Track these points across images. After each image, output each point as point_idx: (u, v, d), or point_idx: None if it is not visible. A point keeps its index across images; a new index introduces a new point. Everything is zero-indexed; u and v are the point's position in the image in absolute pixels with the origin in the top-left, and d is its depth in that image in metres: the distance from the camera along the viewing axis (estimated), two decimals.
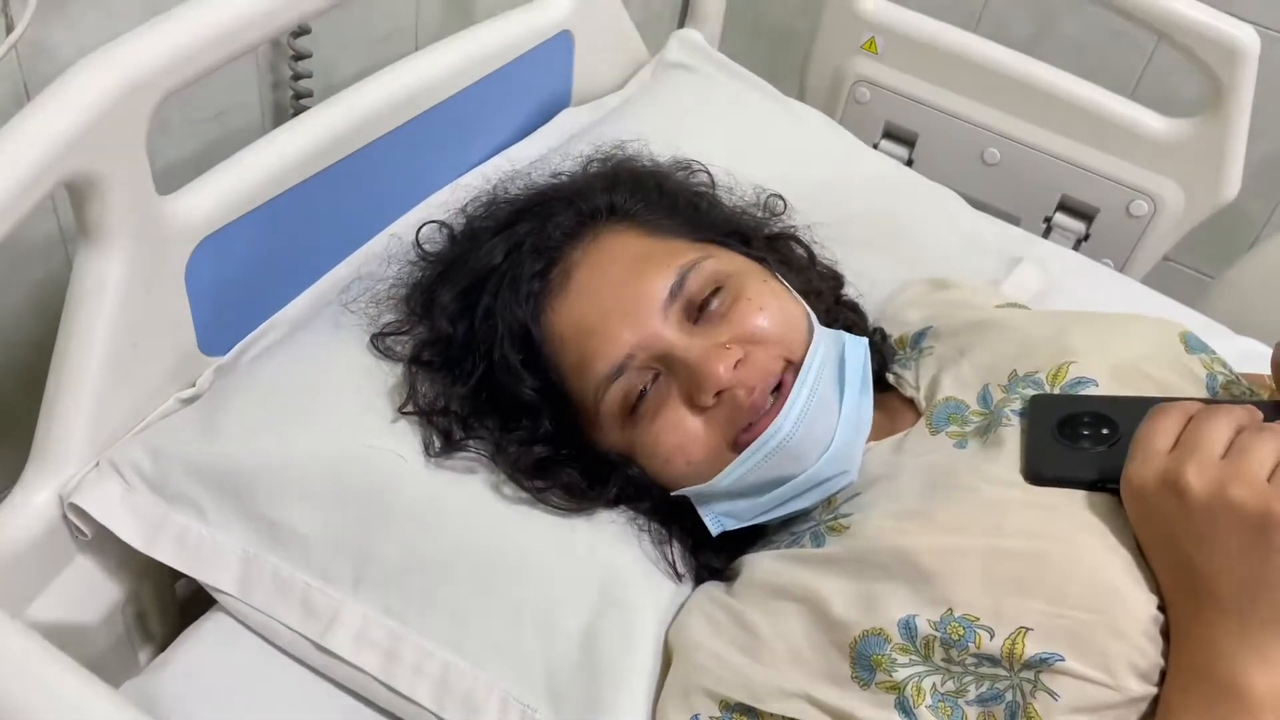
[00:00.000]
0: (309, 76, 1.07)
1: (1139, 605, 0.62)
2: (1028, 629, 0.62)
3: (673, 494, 0.77)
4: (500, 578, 0.75)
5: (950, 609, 0.64)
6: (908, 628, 0.64)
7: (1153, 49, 1.57)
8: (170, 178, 0.82)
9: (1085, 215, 1.29)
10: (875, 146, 1.35)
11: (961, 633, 0.63)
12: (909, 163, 1.34)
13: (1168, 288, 1.17)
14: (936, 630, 0.63)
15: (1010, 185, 1.31)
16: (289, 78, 1.07)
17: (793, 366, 0.74)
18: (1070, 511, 0.66)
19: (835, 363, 0.76)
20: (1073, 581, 0.63)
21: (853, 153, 1.18)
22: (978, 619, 0.63)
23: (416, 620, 0.75)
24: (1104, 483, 0.68)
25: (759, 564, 0.74)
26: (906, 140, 1.36)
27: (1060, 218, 1.30)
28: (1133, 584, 0.63)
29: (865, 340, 0.79)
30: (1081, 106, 1.24)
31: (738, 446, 0.73)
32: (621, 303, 0.75)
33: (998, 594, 0.63)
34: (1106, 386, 0.74)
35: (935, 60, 1.30)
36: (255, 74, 1.07)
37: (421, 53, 1.01)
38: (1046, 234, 1.31)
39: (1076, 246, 1.30)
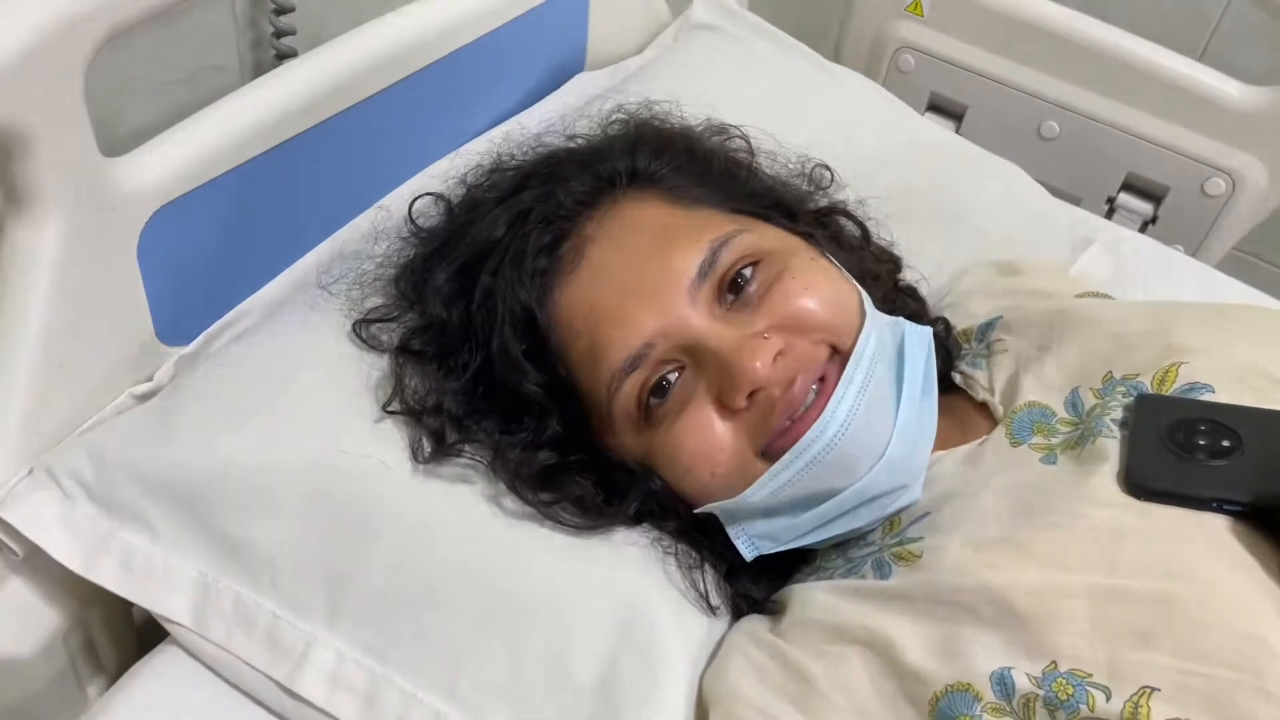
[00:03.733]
0: (292, 34, 0.95)
1: None
2: (1153, 689, 0.51)
3: (697, 511, 0.66)
4: (501, 609, 0.64)
5: (1054, 662, 0.52)
6: (1003, 683, 0.53)
7: (1220, 13, 1.45)
8: (135, 145, 0.72)
9: (1154, 195, 1.17)
10: None
11: (1070, 692, 0.51)
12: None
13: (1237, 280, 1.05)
14: (1039, 688, 0.52)
15: (1070, 162, 1.19)
16: (270, 35, 0.96)
17: (840, 356, 0.63)
18: (1202, 542, 0.55)
19: (892, 355, 0.64)
20: (1209, 631, 0.51)
21: (903, 120, 1.06)
22: (1089, 675, 0.52)
23: (401, 659, 0.64)
24: (1220, 502, 0.57)
25: (811, 597, 0.62)
26: (954, 113, 1.25)
27: (1125, 198, 1.18)
28: None
29: (928, 330, 0.67)
30: (1151, 73, 1.12)
31: (769, 455, 0.62)
32: (642, 282, 0.64)
33: (1113, 645, 0.52)
34: (1225, 392, 0.62)
35: (987, 23, 1.18)
36: (233, 31, 0.96)
37: (418, 4, 0.90)
38: (1109, 215, 1.19)
39: (1143, 229, 1.19)
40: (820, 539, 0.65)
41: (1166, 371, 0.64)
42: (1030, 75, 1.18)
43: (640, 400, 0.64)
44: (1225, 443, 0.59)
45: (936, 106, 1.26)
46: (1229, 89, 1.10)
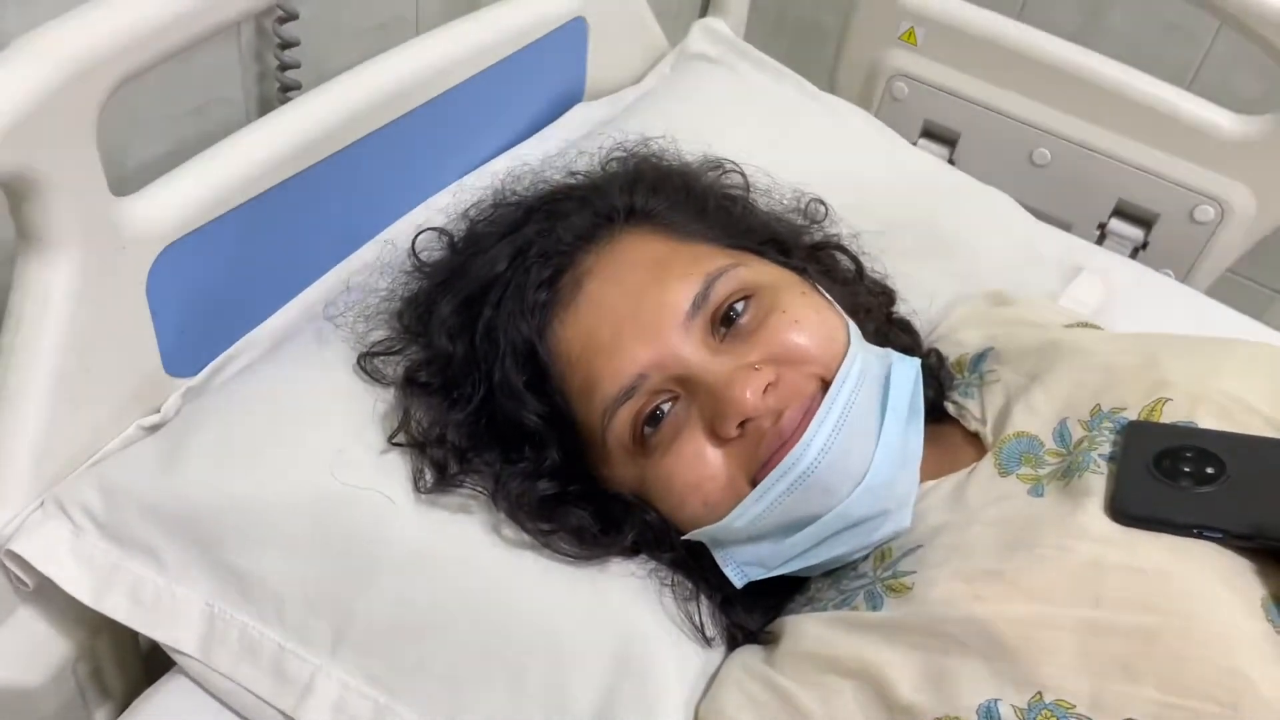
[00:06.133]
0: (297, 67, 0.97)
1: (1275, 695, 0.52)
2: None
3: (684, 538, 0.67)
4: (501, 641, 0.65)
5: (1039, 693, 0.54)
6: (989, 716, 0.54)
7: (1210, 41, 1.46)
8: (142, 179, 0.73)
9: (1144, 222, 1.18)
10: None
11: None
12: (950, 164, 1.23)
13: (1228, 303, 1.07)
14: None
15: (1061, 189, 1.20)
16: (275, 68, 0.97)
17: (826, 386, 0.64)
18: (1188, 574, 0.56)
19: (878, 384, 0.66)
20: (1190, 664, 0.52)
21: (896, 152, 1.08)
22: (1073, 707, 0.53)
23: (404, 689, 0.65)
24: (1203, 529, 0.59)
25: (804, 628, 0.63)
26: (947, 140, 1.26)
27: (1116, 224, 1.20)
28: (1266, 668, 0.52)
29: (916, 361, 0.69)
30: (1142, 102, 1.13)
31: (756, 482, 0.63)
32: (637, 314, 0.65)
33: (1098, 677, 0.53)
34: (1209, 425, 0.64)
35: (980, 52, 1.19)
36: (238, 64, 0.97)
37: (420, 39, 0.92)
38: (1100, 241, 1.21)
39: (1134, 255, 1.20)
40: (807, 565, 0.66)
41: (1153, 407, 0.65)
42: (1022, 103, 1.19)
43: (635, 429, 0.65)
44: (1210, 470, 0.60)
45: (930, 133, 1.26)
46: (1218, 118, 1.11)
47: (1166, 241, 1.18)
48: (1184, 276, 1.19)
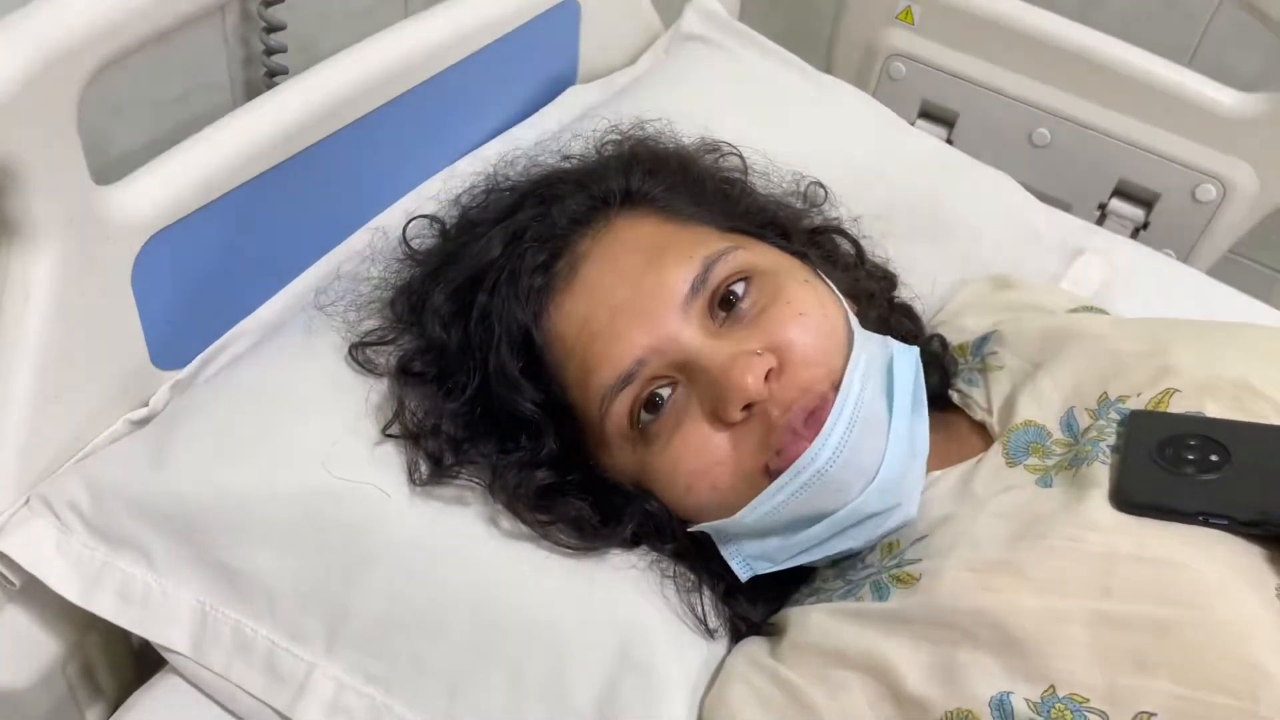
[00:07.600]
0: (283, 51, 0.95)
1: None
2: (1150, 715, 0.51)
3: (691, 529, 0.65)
4: (500, 636, 0.64)
5: (1053, 687, 0.53)
6: (1001, 708, 0.53)
7: (1209, 18, 1.45)
8: (125, 167, 0.72)
9: (1145, 201, 1.17)
10: None
11: (1069, 717, 0.52)
12: (948, 145, 1.22)
13: (1230, 283, 1.05)
14: (1037, 713, 0.52)
15: (1061, 169, 1.18)
16: (261, 52, 0.95)
17: (835, 386, 0.62)
18: (1199, 564, 0.55)
19: (882, 375, 0.64)
20: (1205, 656, 0.51)
21: (895, 133, 1.06)
22: (1087, 701, 0.52)
23: (401, 687, 0.64)
24: (1207, 515, 0.58)
25: (809, 620, 0.62)
26: (945, 120, 1.24)
27: (1116, 204, 1.18)
28: None
29: (915, 350, 0.67)
30: (1142, 80, 1.12)
31: (770, 474, 0.62)
32: (635, 299, 0.64)
33: (1111, 671, 0.52)
34: (1217, 414, 0.63)
35: (978, 31, 1.18)
36: (224, 49, 0.95)
37: (409, 21, 0.90)
38: (1101, 221, 1.19)
39: (1134, 235, 1.19)
40: (815, 558, 0.65)
41: (1160, 398, 0.64)
42: (1021, 82, 1.17)
43: (632, 417, 0.64)
44: (1214, 457, 0.60)
45: (928, 114, 1.25)
46: (1219, 95, 1.10)
47: (1168, 221, 1.17)
48: (1185, 257, 1.18)
